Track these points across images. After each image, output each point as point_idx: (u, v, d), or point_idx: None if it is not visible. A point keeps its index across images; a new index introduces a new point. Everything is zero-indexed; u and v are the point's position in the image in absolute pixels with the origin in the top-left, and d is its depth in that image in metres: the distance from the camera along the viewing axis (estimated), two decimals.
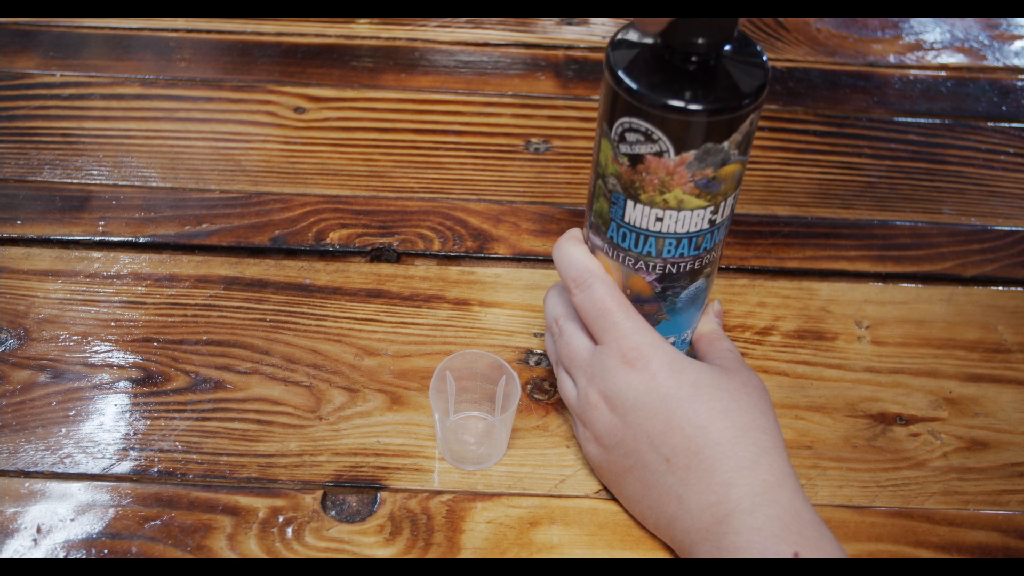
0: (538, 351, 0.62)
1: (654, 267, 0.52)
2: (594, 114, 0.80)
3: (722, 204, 0.50)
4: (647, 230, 0.50)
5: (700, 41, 0.46)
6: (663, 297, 0.53)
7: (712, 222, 0.50)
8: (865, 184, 0.75)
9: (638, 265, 0.52)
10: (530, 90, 0.81)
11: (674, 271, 0.52)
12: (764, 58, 0.49)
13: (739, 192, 0.52)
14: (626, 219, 0.50)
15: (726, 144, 0.47)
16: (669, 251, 0.51)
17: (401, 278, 0.66)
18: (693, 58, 0.47)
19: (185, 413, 0.57)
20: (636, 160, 0.48)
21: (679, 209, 0.49)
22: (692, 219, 0.50)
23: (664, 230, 0.50)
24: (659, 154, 0.47)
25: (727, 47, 0.48)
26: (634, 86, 0.47)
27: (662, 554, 0.52)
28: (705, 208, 0.49)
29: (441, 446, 0.56)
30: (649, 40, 0.49)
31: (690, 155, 0.47)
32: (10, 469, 0.54)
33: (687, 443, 0.48)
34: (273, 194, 0.71)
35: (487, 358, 0.55)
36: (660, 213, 0.49)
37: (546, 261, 0.68)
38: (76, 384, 0.58)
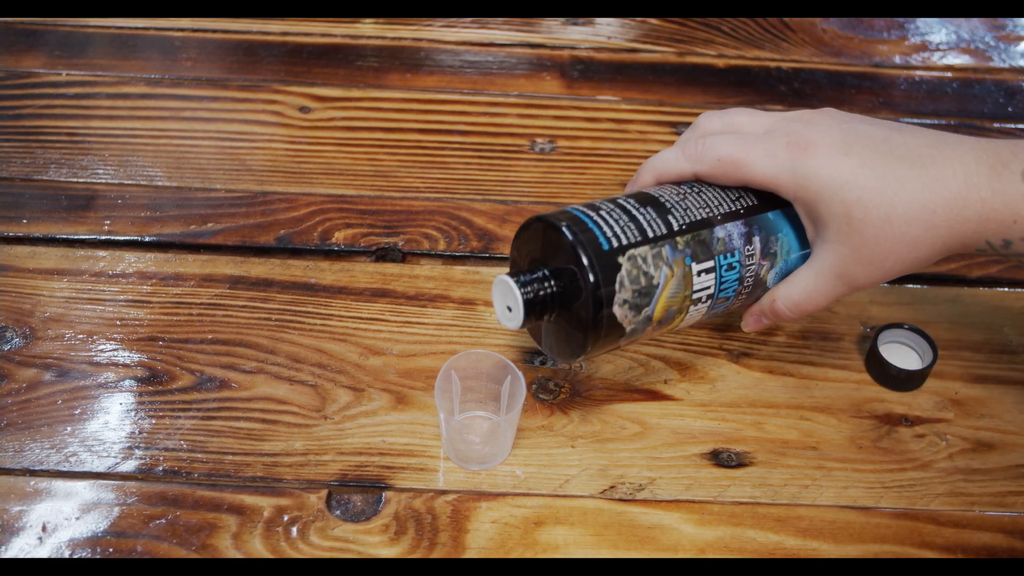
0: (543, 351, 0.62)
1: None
2: (600, 114, 0.80)
3: (689, 307, 0.53)
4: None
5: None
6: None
7: (711, 296, 0.54)
8: None
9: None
10: (535, 90, 0.81)
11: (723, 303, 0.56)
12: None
13: (698, 306, 0.54)
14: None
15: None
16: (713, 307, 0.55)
17: (406, 278, 0.66)
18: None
19: (190, 412, 0.57)
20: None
21: (683, 314, 0.54)
22: (693, 312, 0.54)
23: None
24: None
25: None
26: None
27: (665, 554, 0.52)
28: (687, 311, 0.54)
29: (446, 446, 0.56)
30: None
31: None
32: (15, 467, 0.54)
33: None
34: (278, 193, 0.71)
35: (492, 358, 0.55)
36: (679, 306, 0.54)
37: None
38: (81, 383, 0.59)
